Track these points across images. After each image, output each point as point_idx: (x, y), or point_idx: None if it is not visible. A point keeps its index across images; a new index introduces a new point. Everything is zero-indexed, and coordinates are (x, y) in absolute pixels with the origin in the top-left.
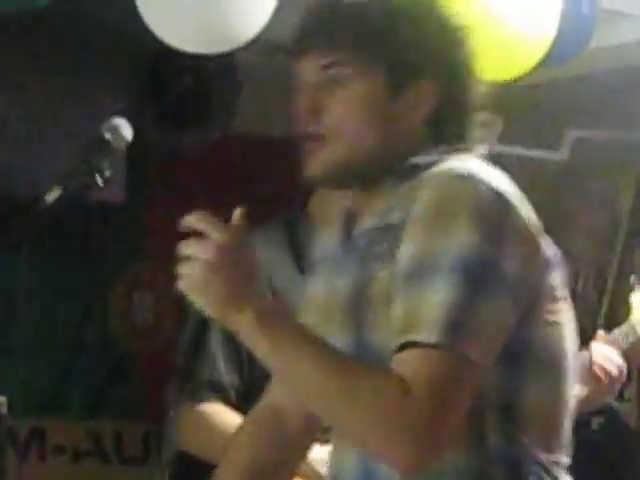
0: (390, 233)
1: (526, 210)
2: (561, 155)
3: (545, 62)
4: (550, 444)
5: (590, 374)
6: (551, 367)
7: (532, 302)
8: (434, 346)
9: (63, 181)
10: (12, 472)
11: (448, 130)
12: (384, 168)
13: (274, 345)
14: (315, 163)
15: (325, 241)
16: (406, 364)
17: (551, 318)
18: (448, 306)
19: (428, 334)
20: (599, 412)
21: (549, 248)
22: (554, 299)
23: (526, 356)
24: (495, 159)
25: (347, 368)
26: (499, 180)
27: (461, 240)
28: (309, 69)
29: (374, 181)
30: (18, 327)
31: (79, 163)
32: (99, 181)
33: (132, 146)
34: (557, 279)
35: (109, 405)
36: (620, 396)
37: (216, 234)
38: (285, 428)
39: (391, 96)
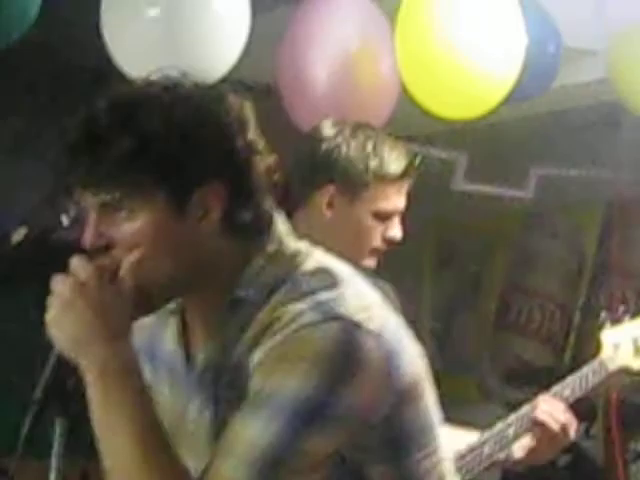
0: (239, 375)
1: (380, 322)
2: (526, 193)
3: (510, 99)
4: None
5: (535, 430)
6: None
7: (389, 417)
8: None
9: (29, 221)
10: None
11: (246, 223)
12: (203, 282)
13: (102, 403)
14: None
15: (164, 345)
16: None
17: (415, 414)
18: (264, 442)
19: (239, 467)
20: (566, 450)
21: (407, 354)
22: (415, 399)
23: (401, 441)
24: (462, 196)
25: (161, 462)
26: (354, 292)
27: (293, 383)
28: (88, 202)
29: (198, 300)
30: None
31: (45, 203)
32: (64, 221)
33: None
34: (419, 376)
35: (75, 445)
36: (586, 434)
37: (79, 272)
38: None
39: (176, 216)
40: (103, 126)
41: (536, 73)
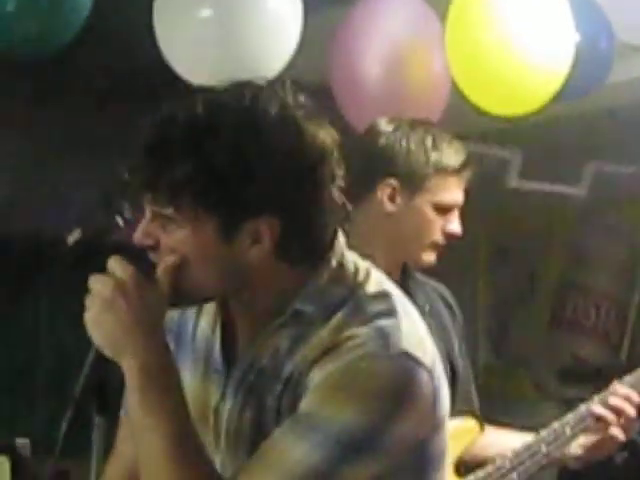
0: (293, 389)
1: (431, 357)
2: (580, 190)
3: (562, 96)
4: None
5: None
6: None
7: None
8: None
9: (83, 223)
10: None
11: (300, 254)
12: (251, 296)
13: (141, 403)
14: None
15: (200, 336)
16: None
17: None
18: (308, 465)
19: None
20: (622, 447)
21: (439, 381)
22: (444, 427)
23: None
24: (516, 194)
25: (193, 462)
26: (410, 322)
27: (348, 415)
28: (145, 202)
29: (246, 307)
30: (41, 364)
31: (99, 205)
32: (119, 222)
33: None
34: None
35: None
36: None
37: (118, 272)
38: None
39: (223, 240)
40: (175, 140)
41: (589, 69)
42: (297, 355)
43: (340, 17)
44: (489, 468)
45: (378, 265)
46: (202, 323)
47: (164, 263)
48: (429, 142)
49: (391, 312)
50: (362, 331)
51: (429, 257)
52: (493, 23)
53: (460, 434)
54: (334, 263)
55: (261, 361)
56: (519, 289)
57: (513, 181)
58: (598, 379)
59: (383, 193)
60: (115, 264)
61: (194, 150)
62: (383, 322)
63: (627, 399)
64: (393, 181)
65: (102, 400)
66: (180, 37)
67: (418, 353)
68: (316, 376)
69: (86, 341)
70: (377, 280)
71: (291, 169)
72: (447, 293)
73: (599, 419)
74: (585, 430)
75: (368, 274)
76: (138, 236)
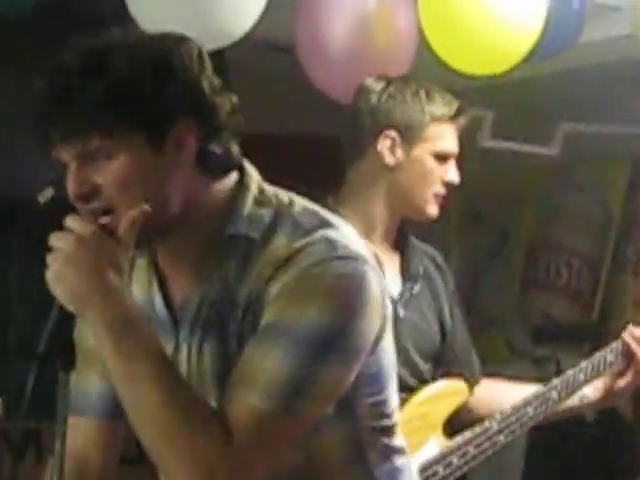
0: (253, 310)
1: (373, 259)
2: (552, 149)
3: (535, 56)
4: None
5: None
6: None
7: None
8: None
9: (56, 182)
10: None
11: (219, 158)
12: (186, 219)
13: (116, 352)
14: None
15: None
16: (237, 413)
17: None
18: (286, 372)
19: (264, 397)
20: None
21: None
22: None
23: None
24: (488, 153)
25: (185, 399)
26: (349, 230)
27: (311, 315)
28: (67, 154)
29: (180, 241)
30: (13, 327)
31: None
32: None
33: None
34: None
35: None
36: None
37: (78, 228)
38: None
39: (154, 153)
40: (75, 74)
41: (561, 29)
42: (248, 278)
43: None
44: (476, 429)
45: (379, 221)
46: (134, 293)
47: (127, 218)
48: (423, 94)
49: (328, 223)
50: (308, 242)
51: (433, 209)
52: None
53: (450, 394)
54: (254, 189)
55: (211, 294)
56: (491, 249)
57: (485, 141)
58: (570, 338)
59: (383, 146)
60: (74, 222)
61: (96, 71)
62: (325, 231)
63: None
64: (392, 132)
65: (67, 357)
66: None
67: (366, 254)
68: (273, 289)
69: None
70: (302, 202)
71: (190, 75)
72: (440, 258)
73: (626, 352)
74: (600, 375)
75: (291, 199)
76: (73, 189)
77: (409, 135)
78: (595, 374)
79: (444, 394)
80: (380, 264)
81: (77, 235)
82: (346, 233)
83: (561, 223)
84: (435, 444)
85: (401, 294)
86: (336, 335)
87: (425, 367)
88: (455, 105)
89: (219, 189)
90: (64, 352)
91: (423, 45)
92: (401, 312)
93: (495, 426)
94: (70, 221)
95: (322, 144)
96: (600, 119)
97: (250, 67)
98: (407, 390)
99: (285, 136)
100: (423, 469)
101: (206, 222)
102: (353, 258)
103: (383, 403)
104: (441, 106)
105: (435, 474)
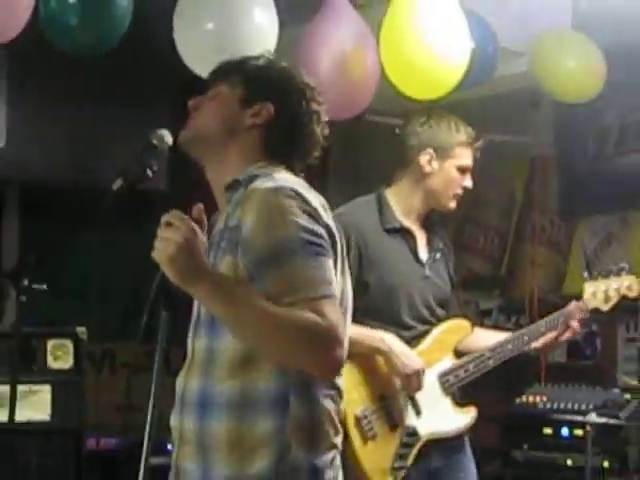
0: (230, 233)
1: (314, 198)
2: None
3: (462, 86)
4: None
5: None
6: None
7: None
8: (319, 297)
9: (124, 174)
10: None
11: (274, 142)
12: (222, 148)
13: (226, 305)
14: (183, 131)
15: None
16: (309, 309)
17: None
18: (309, 271)
19: (313, 291)
20: None
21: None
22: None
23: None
24: None
25: (282, 311)
26: (295, 185)
27: (289, 233)
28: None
29: (216, 156)
30: (95, 278)
31: (135, 161)
32: (149, 173)
33: (172, 148)
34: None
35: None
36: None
37: (179, 224)
38: None
39: (241, 105)
40: (238, 63)
41: (481, 66)
42: (238, 210)
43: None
44: (475, 354)
45: (415, 209)
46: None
47: (197, 209)
48: (453, 125)
49: (286, 179)
50: (262, 182)
51: (453, 204)
52: (414, 34)
53: (457, 329)
54: (269, 171)
55: (231, 221)
56: None
57: None
58: (486, 286)
59: (423, 159)
60: (174, 218)
61: (242, 67)
62: (283, 182)
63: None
64: (431, 150)
65: (169, 300)
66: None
67: (299, 188)
68: (248, 218)
69: (127, 261)
70: (289, 176)
71: (288, 86)
72: (446, 238)
73: (567, 318)
74: (553, 329)
75: (285, 175)
76: (191, 102)
77: (442, 153)
78: (551, 327)
79: (453, 328)
80: (414, 237)
81: (185, 228)
82: (304, 190)
83: (481, 205)
84: (449, 361)
85: (427, 260)
86: (309, 239)
87: (440, 311)
88: (473, 134)
89: (255, 153)
90: (167, 297)
91: (384, 77)
92: (427, 272)
93: (487, 354)
94: (171, 217)
95: None
96: (508, 132)
97: None
98: (429, 324)
99: None
100: (444, 374)
101: (240, 167)
102: (288, 187)
103: None
104: (464, 134)
105: (452, 379)
